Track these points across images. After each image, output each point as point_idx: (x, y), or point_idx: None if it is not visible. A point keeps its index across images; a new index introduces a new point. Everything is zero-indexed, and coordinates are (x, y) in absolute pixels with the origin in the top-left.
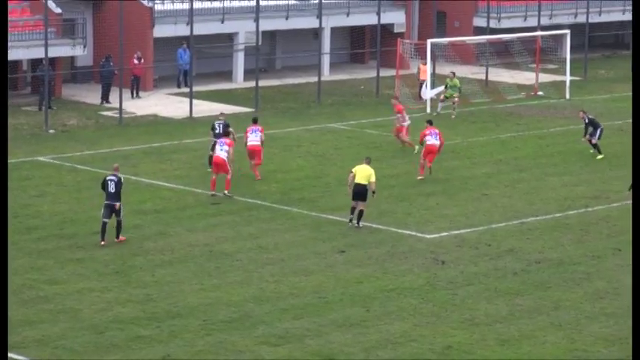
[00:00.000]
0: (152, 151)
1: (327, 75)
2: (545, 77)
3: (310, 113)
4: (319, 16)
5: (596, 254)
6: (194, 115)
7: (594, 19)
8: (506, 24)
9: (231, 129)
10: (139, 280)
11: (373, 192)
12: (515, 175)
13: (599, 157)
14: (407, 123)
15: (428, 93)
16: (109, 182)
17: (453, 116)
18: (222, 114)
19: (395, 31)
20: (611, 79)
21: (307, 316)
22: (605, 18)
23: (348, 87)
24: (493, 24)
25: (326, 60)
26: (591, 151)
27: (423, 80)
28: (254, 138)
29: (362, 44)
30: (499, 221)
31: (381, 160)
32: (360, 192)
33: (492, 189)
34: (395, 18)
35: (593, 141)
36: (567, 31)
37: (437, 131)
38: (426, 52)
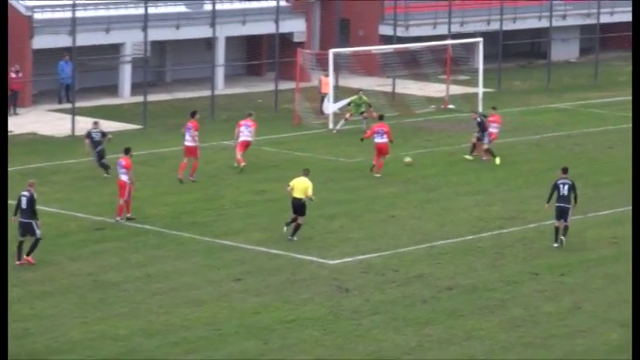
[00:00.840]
0: (30, 173)
1: (221, 88)
2: (456, 89)
3: (203, 130)
4: (213, 25)
5: (512, 279)
6: (76, 132)
7: (508, 26)
8: (414, 32)
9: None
10: (17, 313)
11: (311, 199)
12: (425, 195)
13: (497, 161)
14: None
15: (330, 107)
16: (22, 198)
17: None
18: (95, 122)
19: (294, 40)
20: (526, 90)
21: (200, 350)
22: (520, 25)
23: (244, 101)
24: (400, 32)
25: (220, 72)
26: (467, 156)
27: (325, 93)
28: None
29: (259, 55)
30: (407, 245)
31: (280, 180)
32: (298, 206)
33: (400, 210)
34: (294, 26)
35: (484, 146)
36: (480, 40)
37: (385, 129)
38: (327, 63)
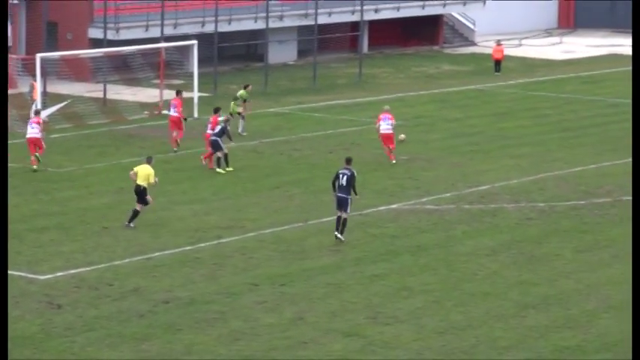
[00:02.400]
0: None
1: None
2: (170, 94)
3: None
4: None
5: (231, 291)
6: None
7: (224, 28)
8: (125, 35)
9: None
10: None
11: (155, 184)
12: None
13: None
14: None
15: (42, 113)
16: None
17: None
18: None
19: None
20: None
21: None
22: (235, 27)
23: None
24: (111, 35)
25: None
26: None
27: (35, 100)
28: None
29: None
30: (122, 257)
31: None
32: (139, 192)
33: (114, 221)
34: None
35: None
36: (194, 42)
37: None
38: (35, 68)
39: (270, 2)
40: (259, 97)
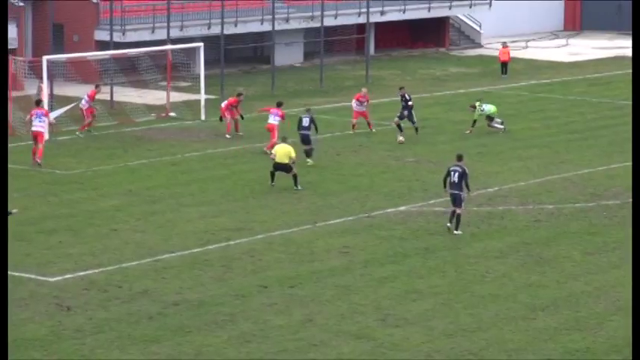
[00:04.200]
0: None
1: None
2: (177, 96)
3: None
4: None
5: (240, 293)
6: None
7: (230, 30)
8: (132, 37)
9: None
10: None
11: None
12: (148, 207)
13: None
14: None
15: (50, 115)
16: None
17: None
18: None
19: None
20: (250, 96)
21: None
22: (241, 29)
23: None
24: (117, 37)
25: None
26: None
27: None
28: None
29: None
30: (131, 259)
31: None
32: (283, 169)
33: (122, 223)
34: None
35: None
36: (200, 45)
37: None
38: (42, 70)
39: (276, 4)
40: (266, 100)
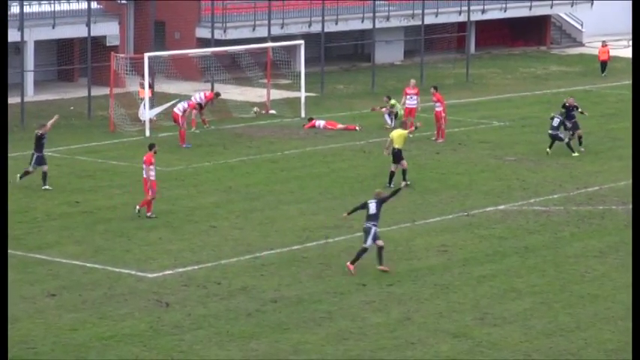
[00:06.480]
0: None
1: (31, 95)
2: (277, 94)
3: (13, 139)
4: (21, 29)
5: (339, 291)
6: None
7: (330, 28)
8: (233, 35)
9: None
10: None
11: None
12: (247, 204)
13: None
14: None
15: (147, 113)
16: None
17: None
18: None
19: (108, 44)
20: (350, 94)
21: None
22: (342, 27)
23: (55, 108)
24: (218, 35)
25: (30, 78)
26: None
27: (143, 99)
28: None
29: (70, 60)
30: (230, 256)
31: (95, 191)
32: (397, 155)
33: (221, 220)
34: (107, 29)
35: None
36: (301, 42)
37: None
38: (143, 67)
39: (377, 2)
40: (367, 97)
